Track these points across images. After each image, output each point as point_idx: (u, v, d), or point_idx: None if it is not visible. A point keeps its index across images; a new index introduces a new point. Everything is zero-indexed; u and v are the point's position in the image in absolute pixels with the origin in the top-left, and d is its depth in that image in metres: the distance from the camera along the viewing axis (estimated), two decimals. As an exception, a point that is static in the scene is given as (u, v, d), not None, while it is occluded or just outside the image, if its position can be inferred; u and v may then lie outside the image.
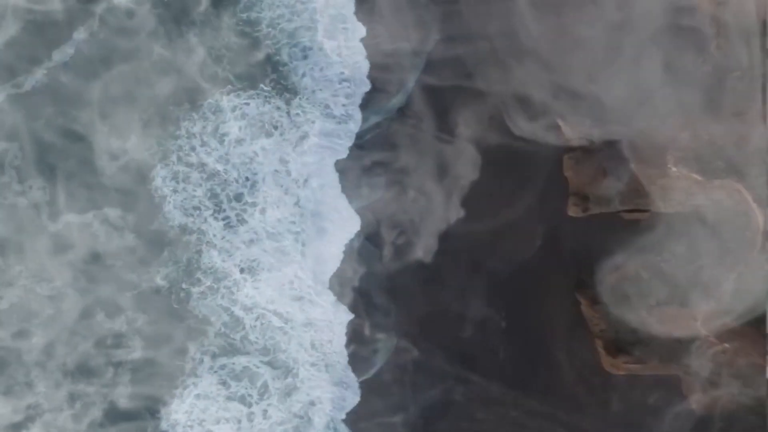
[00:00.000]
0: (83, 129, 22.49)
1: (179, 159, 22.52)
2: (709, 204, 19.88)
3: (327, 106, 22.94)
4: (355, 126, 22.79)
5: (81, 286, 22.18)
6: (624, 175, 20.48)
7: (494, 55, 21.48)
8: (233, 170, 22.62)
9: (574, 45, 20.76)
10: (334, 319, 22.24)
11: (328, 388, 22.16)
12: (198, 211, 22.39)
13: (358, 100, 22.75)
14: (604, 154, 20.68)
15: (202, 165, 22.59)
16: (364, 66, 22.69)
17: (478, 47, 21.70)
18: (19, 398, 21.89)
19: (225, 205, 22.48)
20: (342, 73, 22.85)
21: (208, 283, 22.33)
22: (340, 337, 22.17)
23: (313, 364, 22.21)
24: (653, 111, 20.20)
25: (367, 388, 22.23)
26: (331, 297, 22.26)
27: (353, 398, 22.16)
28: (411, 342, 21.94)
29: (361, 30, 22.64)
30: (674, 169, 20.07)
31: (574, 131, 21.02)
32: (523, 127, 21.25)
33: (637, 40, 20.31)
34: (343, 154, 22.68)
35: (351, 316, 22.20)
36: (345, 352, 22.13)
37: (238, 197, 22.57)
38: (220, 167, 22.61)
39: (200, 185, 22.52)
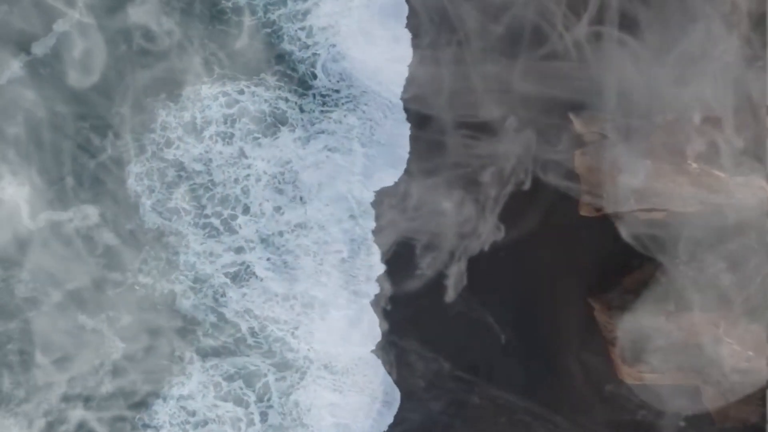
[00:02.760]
0: (61, 124, 22.27)
1: (154, 154, 22.13)
2: (731, 203, 19.39)
3: (347, 105, 22.22)
4: (369, 130, 22.18)
5: (61, 284, 22.00)
6: (640, 171, 19.96)
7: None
8: (218, 171, 21.98)
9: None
10: (343, 329, 21.85)
11: (348, 395, 21.86)
12: (176, 215, 22.07)
13: (376, 101, 22.22)
14: (618, 150, 20.22)
15: (180, 163, 22.10)
16: (390, 63, 22.07)
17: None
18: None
19: (208, 210, 22.02)
20: (365, 69, 22.08)
21: (190, 284, 22.07)
22: (354, 348, 21.83)
23: (324, 366, 21.96)
24: (671, 103, 19.84)
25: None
26: (339, 304, 21.94)
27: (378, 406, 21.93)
28: (417, 349, 21.74)
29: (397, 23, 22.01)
30: (694, 165, 19.58)
31: (586, 125, 20.66)
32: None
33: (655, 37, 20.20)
34: (359, 158, 22.08)
35: (359, 323, 21.85)
36: (376, 363, 21.86)
37: (224, 200, 22.01)
38: (201, 166, 22.02)
39: (178, 185, 22.06)
